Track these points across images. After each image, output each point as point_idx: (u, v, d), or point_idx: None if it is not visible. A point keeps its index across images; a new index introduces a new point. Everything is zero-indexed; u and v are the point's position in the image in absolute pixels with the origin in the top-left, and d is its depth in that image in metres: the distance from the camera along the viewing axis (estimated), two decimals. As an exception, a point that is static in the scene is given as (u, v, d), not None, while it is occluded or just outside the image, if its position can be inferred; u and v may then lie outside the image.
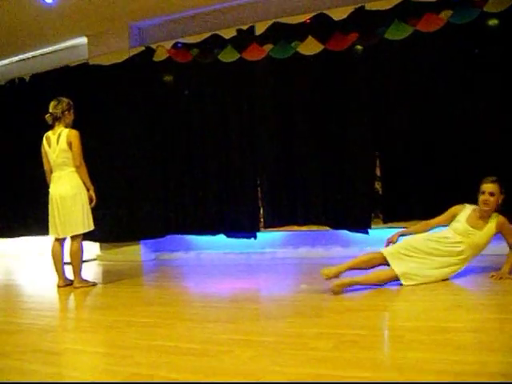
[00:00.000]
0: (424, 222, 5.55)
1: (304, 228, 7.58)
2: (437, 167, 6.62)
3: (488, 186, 5.18)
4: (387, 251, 5.16)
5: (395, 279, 5.00)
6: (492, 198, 5.14)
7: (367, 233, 7.13)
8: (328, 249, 7.58)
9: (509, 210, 5.25)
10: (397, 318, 4.10)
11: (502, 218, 5.18)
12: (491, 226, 5.15)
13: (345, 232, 7.33)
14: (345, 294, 4.69)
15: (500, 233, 5.19)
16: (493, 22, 6.44)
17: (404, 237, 5.42)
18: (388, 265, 5.09)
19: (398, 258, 5.07)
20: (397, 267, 5.00)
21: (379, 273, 5.12)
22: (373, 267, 5.24)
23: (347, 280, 4.99)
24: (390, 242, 5.38)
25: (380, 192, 7.22)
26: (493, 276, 5.05)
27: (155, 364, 3.09)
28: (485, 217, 5.19)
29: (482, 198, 5.17)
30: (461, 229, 5.19)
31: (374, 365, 2.88)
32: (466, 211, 5.31)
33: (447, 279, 5.11)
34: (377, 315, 4.17)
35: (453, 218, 5.38)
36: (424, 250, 5.12)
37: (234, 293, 5.50)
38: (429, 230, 5.43)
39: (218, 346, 3.37)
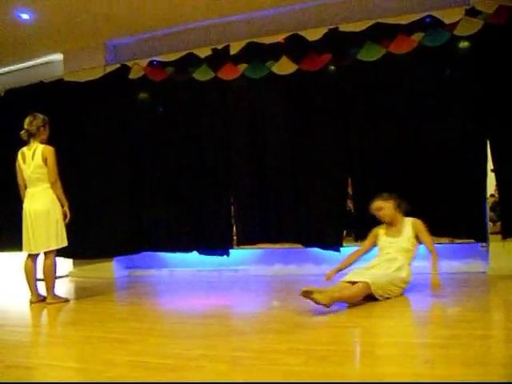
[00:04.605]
0: (353, 252, 5.94)
1: (277, 246, 7.64)
2: (408, 187, 6.69)
3: (372, 206, 5.89)
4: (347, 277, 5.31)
5: (367, 290, 5.10)
6: (381, 212, 5.81)
7: (339, 250, 7.19)
8: (300, 266, 7.64)
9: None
10: (367, 334, 4.15)
11: (416, 220, 5.71)
12: (407, 228, 5.67)
13: (317, 250, 7.38)
14: (316, 311, 4.73)
15: (417, 235, 5.63)
16: (463, 44, 6.59)
17: (343, 272, 5.63)
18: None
19: (360, 273, 5.25)
20: (364, 278, 5.11)
21: (353, 289, 5.23)
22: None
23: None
24: (327, 278, 5.61)
25: (352, 210, 7.32)
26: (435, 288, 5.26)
27: (128, 379, 3.11)
28: (396, 224, 5.75)
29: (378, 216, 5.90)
30: (384, 244, 5.73)
31: (344, 379, 2.93)
32: (382, 229, 5.86)
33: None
34: (347, 331, 4.22)
35: (375, 238, 5.87)
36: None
37: (207, 309, 5.52)
38: (359, 258, 5.83)
39: (190, 362, 3.41)
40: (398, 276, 5.30)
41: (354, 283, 5.07)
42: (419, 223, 5.66)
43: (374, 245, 5.88)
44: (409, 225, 5.67)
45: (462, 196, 6.52)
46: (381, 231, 5.83)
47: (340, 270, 5.68)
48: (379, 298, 5.13)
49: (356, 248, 6.05)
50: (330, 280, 5.53)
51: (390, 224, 5.79)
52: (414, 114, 6.78)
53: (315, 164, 7.29)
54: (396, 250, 5.53)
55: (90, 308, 5.84)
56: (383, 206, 5.78)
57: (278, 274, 7.62)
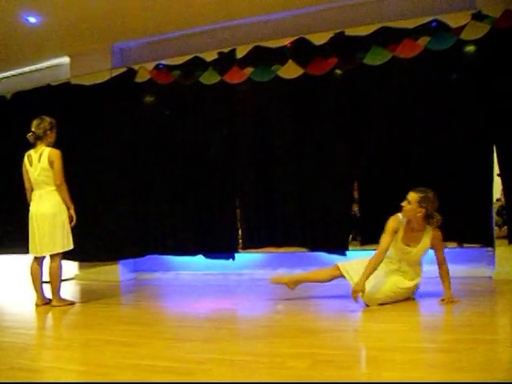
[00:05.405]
0: (375, 255, 5.23)
1: (282, 249, 7.62)
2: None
3: (409, 194, 5.29)
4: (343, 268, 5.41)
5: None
6: (406, 205, 5.25)
7: (345, 254, 7.18)
8: (306, 270, 7.59)
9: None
10: (371, 339, 4.14)
11: (436, 232, 5.25)
12: (426, 239, 5.25)
13: (323, 254, 7.37)
14: (320, 315, 4.73)
15: (432, 246, 5.26)
16: (469, 48, 6.58)
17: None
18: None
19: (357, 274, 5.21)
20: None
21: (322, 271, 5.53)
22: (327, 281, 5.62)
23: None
24: (358, 292, 5.07)
25: (358, 214, 7.31)
26: (443, 301, 5.14)
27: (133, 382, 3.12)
28: (416, 229, 5.27)
29: None
30: (397, 249, 5.34)
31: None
32: (401, 229, 5.32)
33: (414, 299, 5.31)
34: (351, 336, 4.23)
35: (395, 233, 5.32)
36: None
37: (212, 313, 5.51)
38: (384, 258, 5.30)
39: (195, 365, 3.41)
40: (404, 287, 5.26)
41: None
42: (439, 237, 5.25)
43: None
44: (429, 235, 5.24)
45: (469, 200, 6.50)
46: (400, 232, 5.29)
47: (368, 277, 5.08)
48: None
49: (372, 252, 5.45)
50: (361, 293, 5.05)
51: (409, 223, 5.29)
52: (420, 118, 6.77)
53: (321, 167, 7.28)
54: (408, 262, 5.29)
55: (95, 311, 5.85)
56: (412, 203, 5.19)
57: (284, 278, 7.61)
